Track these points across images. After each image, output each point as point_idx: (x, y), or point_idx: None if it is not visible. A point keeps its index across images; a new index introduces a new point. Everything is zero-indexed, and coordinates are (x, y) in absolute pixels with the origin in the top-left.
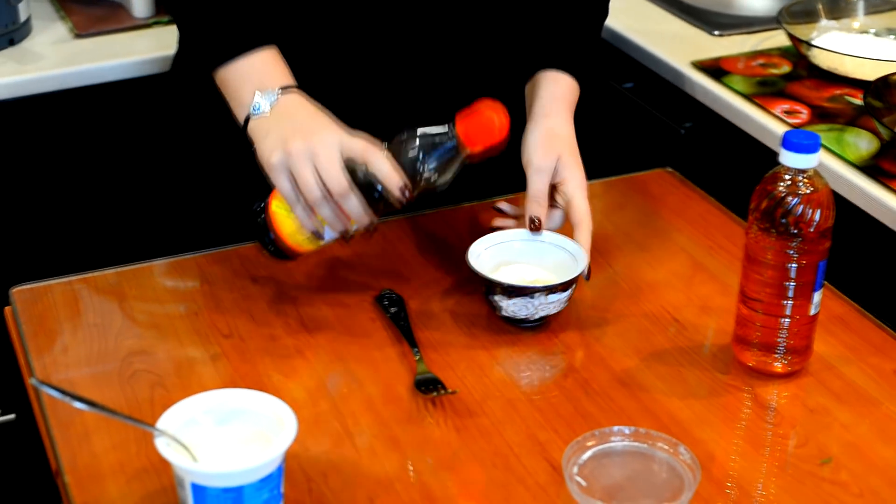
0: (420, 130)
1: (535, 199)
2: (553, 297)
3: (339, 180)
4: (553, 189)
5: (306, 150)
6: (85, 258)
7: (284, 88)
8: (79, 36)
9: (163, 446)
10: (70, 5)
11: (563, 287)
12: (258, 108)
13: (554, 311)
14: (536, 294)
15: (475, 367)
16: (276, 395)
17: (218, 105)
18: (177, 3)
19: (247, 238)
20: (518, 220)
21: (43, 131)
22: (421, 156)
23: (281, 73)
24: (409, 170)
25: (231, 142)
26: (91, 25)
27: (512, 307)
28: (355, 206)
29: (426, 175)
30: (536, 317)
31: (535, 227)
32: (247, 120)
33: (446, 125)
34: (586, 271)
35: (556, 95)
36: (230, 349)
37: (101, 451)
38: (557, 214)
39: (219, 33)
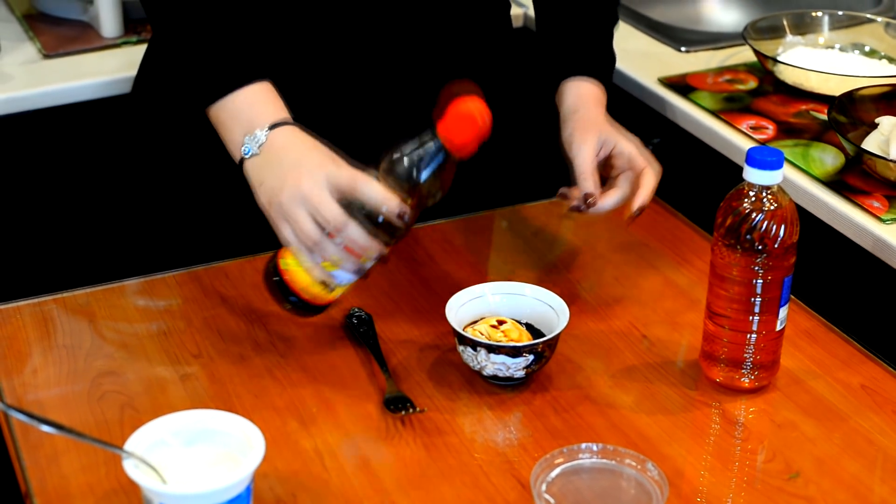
0: (403, 144)
1: (584, 175)
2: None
3: (333, 214)
4: (610, 168)
5: (296, 194)
6: (56, 278)
7: (273, 126)
8: (47, 56)
9: (131, 468)
10: (39, 25)
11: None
12: (248, 152)
13: (518, 374)
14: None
15: (444, 385)
16: (246, 415)
17: (183, 126)
18: (169, 39)
19: (216, 258)
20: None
21: (11, 152)
22: (412, 170)
23: (272, 109)
24: (404, 186)
25: (198, 161)
26: (60, 46)
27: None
28: (358, 235)
29: (422, 187)
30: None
31: (590, 203)
32: (242, 161)
33: (428, 131)
34: (637, 211)
35: (580, 94)
36: (200, 369)
37: (71, 473)
38: (615, 193)
39: (209, 70)
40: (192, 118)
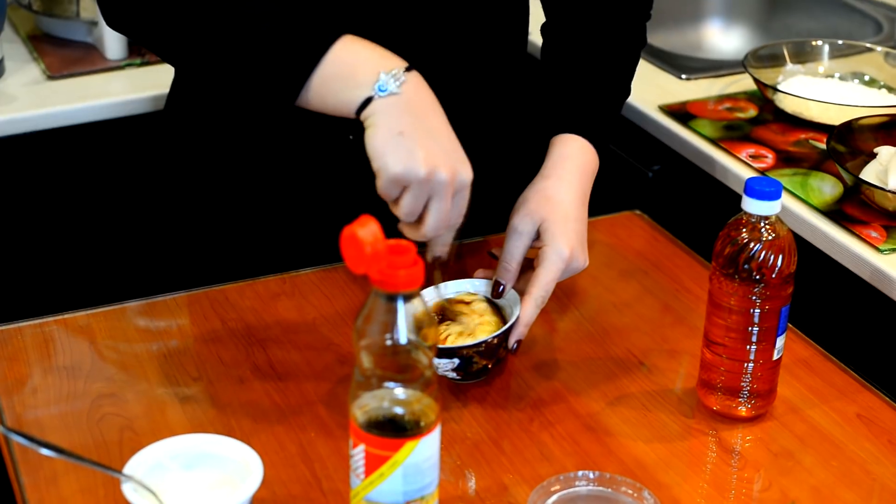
0: None
1: (504, 262)
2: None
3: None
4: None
5: (442, 182)
6: (57, 299)
7: (408, 69)
8: (52, 77)
9: (130, 492)
10: (43, 47)
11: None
12: (384, 89)
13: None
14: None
15: (441, 410)
16: (245, 439)
17: (203, 144)
18: (240, 28)
19: (216, 280)
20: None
21: (14, 173)
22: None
23: (389, 52)
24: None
25: (209, 183)
26: (64, 67)
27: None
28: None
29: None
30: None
31: (498, 293)
32: (366, 101)
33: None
34: (514, 343)
35: (563, 155)
36: (199, 392)
37: (69, 495)
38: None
39: (301, 34)
40: (222, 137)
